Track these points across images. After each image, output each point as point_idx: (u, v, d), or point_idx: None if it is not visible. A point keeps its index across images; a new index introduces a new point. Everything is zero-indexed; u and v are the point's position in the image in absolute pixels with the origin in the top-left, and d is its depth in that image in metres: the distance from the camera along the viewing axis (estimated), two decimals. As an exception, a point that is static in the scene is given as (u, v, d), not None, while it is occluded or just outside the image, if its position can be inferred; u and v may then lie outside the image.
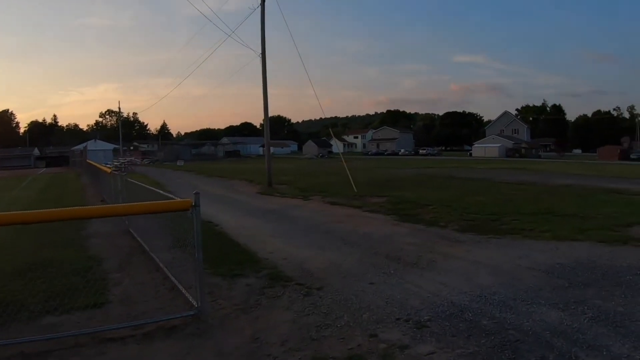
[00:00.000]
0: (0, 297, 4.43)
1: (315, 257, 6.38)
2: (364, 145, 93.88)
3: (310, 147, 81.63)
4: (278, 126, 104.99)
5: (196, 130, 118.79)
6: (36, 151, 69.17)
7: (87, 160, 27.95)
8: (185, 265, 6.24)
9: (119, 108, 68.31)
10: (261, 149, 75.04)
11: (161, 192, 5.92)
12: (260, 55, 17.92)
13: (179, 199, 4.52)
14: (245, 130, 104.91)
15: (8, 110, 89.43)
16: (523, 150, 60.56)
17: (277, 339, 3.70)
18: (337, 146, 44.69)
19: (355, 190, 13.79)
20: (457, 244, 6.98)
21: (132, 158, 51.84)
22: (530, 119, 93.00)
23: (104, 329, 3.86)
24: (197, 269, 4.21)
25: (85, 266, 5.82)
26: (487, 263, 5.75)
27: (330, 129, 21.90)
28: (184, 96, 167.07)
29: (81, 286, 4.79)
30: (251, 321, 4.16)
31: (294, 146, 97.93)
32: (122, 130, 64.47)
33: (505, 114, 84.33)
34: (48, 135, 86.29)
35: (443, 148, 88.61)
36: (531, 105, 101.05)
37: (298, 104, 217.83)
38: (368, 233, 7.99)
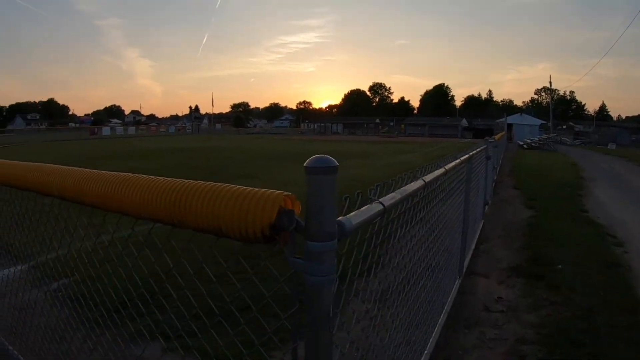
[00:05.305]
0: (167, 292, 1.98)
1: None
2: None
3: None
4: None
5: (638, 115, 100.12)
6: (464, 122, 68.56)
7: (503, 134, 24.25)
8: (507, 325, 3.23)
9: (550, 83, 66.73)
10: None
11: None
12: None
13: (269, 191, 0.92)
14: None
15: (444, 84, 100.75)
16: None
17: None
18: None
19: None
20: None
21: (554, 135, 47.54)
22: None
23: None
24: None
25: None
26: None
27: None
28: (625, 77, 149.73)
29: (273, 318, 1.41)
30: None
31: None
32: (557, 108, 61.24)
33: None
34: (479, 108, 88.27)
35: None
36: None
37: None
38: None
